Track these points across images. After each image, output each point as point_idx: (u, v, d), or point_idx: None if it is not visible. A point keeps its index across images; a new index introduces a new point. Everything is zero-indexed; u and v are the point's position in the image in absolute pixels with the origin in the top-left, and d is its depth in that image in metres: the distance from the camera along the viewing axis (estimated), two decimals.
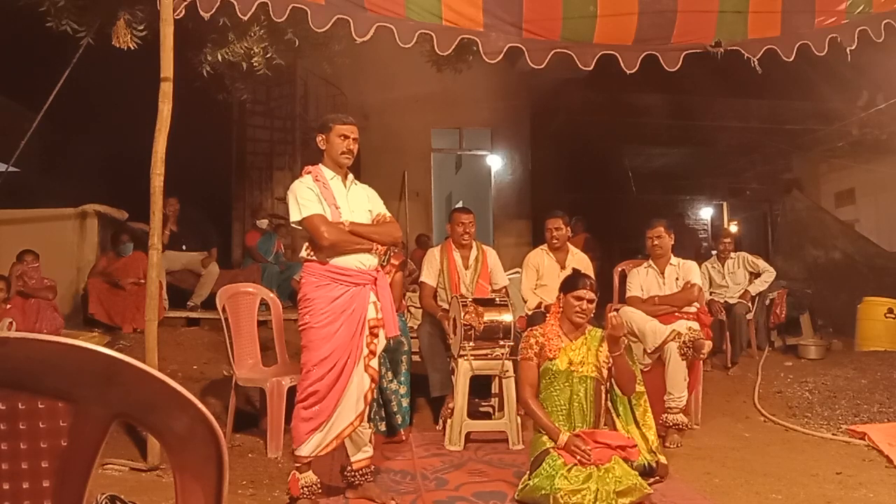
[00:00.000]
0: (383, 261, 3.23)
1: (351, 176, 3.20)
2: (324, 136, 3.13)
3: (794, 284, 7.69)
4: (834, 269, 8.65)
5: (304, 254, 3.09)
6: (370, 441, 3.20)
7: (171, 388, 0.98)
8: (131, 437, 3.79)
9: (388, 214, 3.25)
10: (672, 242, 4.74)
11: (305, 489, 3.02)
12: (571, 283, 3.45)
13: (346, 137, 3.11)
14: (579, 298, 3.35)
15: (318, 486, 3.07)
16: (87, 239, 6.38)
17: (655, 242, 4.72)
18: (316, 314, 2.97)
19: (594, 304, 3.42)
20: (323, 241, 2.96)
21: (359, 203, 3.17)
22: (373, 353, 3.09)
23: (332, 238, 2.97)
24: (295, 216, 3.04)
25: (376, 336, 3.10)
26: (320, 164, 3.16)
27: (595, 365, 3.31)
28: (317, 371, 2.96)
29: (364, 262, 3.07)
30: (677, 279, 4.65)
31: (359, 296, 3.04)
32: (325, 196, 3.06)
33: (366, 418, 3.12)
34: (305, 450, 2.99)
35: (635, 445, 3.25)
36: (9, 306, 5.06)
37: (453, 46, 4.24)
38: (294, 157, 9.41)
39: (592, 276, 4.85)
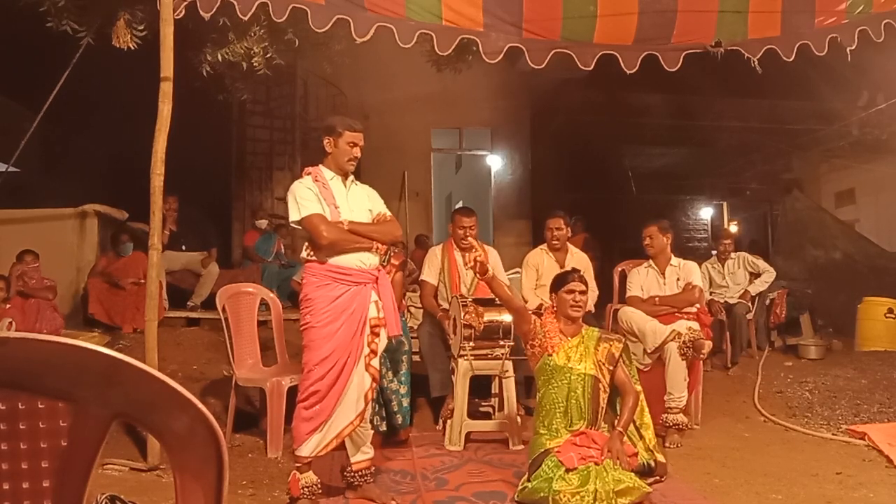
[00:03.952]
0: (384, 261, 3.23)
1: (351, 176, 3.20)
2: (332, 140, 3.12)
3: (794, 284, 7.69)
4: (834, 269, 8.66)
5: (304, 254, 3.09)
6: (371, 442, 3.20)
7: (171, 388, 0.98)
8: (131, 437, 3.79)
9: (389, 214, 3.26)
10: (668, 242, 4.75)
11: (305, 489, 3.02)
12: (560, 280, 3.53)
13: (355, 145, 3.12)
14: (571, 291, 3.41)
15: (319, 486, 3.07)
16: (87, 239, 6.37)
17: (647, 241, 4.75)
18: (317, 314, 2.98)
19: (586, 295, 3.48)
20: (322, 240, 2.97)
21: (359, 203, 3.17)
22: (374, 352, 3.09)
23: (330, 237, 2.97)
24: (294, 216, 3.04)
25: (377, 335, 3.10)
26: (320, 165, 3.16)
27: (593, 363, 3.31)
28: (318, 370, 2.96)
29: (364, 261, 3.07)
30: (678, 280, 4.65)
31: (360, 295, 3.04)
32: (325, 196, 3.06)
33: (366, 418, 3.12)
34: (305, 450, 2.99)
35: (635, 454, 3.26)
36: (9, 306, 5.05)
37: (453, 46, 4.24)
38: (294, 157, 9.41)
39: (592, 275, 4.90)
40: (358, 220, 3.10)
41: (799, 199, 9.85)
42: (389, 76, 8.91)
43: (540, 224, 5.60)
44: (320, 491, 3.09)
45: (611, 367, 3.35)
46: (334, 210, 3.05)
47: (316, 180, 3.09)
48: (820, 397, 5.15)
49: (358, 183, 3.25)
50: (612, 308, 5.29)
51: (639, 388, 3.48)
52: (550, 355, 3.33)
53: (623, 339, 3.53)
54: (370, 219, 3.17)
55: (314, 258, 3.04)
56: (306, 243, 3.10)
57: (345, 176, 3.17)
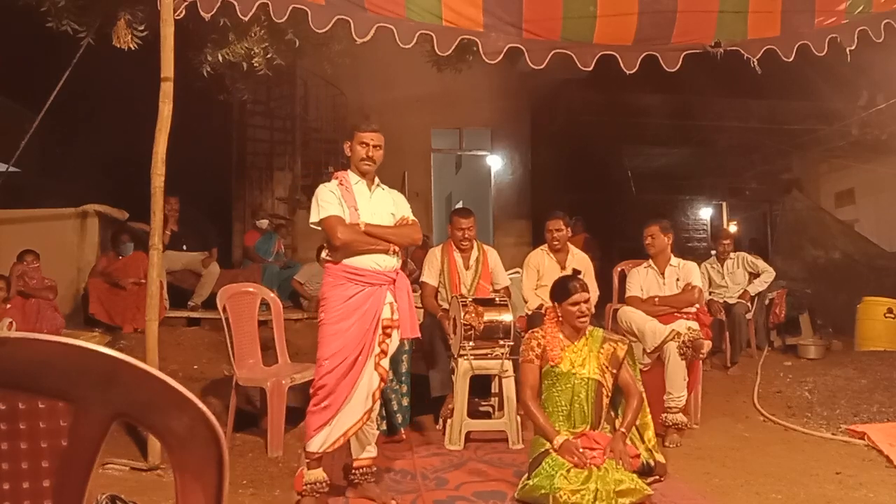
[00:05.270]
0: None
1: (377, 180, 3.25)
2: (349, 144, 3.19)
3: (794, 284, 7.69)
4: (834, 269, 8.66)
5: (322, 255, 3.18)
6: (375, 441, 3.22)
7: (171, 388, 0.98)
8: (131, 437, 3.79)
9: (412, 218, 3.29)
10: (669, 242, 4.75)
11: (308, 486, 3.02)
12: (562, 291, 3.41)
13: (367, 145, 3.15)
14: (575, 303, 3.33)
15: (324, 484, 3.06)
16: (87, 239, 6.38)
17: (648, 241, 4.76)
18: (330, 311, 3.04)
19: (590, 301, 3.46)
20: (335, 241, 3.03)
21: (382, 206, 3.21)
22: (384, 352, 3.12)
23: (343, 238, 3.02)
24: (314, 217, 3.12)
25: (389, 336, 3.13)
26: (348, 170, 3.24)
27: (597, 366, 3.31)
28: (327, 365, 3.00)
29: (380, 262, 3.11)
30: (677, 280, 4.65)
31: (373, 296, 3.07)
32: (346, 199, 3.12)
33: (373, 417, 3.15)
34: (313, 445, 3.00)
35: (637, 455, 3.26)
36: (9, 306, 5.05)
37: (453, 47, 4.24)
38: (294, 157, 9.42)
39: (593, 276, 4.90)
40: (379, 223, 3.14)
41: (799, 199, 9.86)
42: (389, 76, 8.90)
43: (540, 224, 5.59)
44: (326, 489, 3.09)
45: (614, 370, 3.34)
46: (353, 212, 3.10)
47: (341, 184, 3.16)
48: (819, 397, 5.15)
49: (385, 187, 3.29)
50: (612, 308, 5.29)
51: (641, 388, 3.48)
52: (555, 366, 3.33)
53: (627, 341, 3.52)
54: (393, 222, 3.21)
55: (330, 259, 3.10)
56: (324, 244, 3.17)
57: (371, 180, 3.21)
